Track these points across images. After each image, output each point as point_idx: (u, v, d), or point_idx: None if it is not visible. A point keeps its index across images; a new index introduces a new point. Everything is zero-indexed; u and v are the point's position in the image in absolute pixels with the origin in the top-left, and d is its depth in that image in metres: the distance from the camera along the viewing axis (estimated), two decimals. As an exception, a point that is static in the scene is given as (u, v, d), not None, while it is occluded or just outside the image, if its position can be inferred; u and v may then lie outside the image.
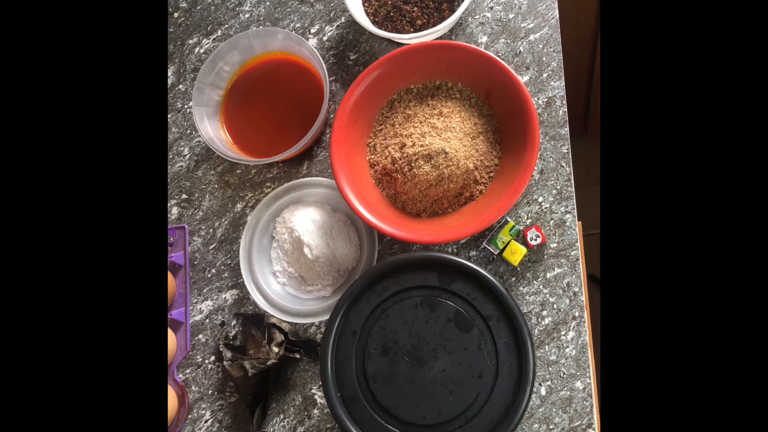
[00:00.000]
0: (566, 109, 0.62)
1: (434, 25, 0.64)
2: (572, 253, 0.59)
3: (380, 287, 0.53)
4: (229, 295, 0.65)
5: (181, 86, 0.73)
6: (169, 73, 0.73)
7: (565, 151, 0.61)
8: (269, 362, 0.59)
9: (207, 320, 0.65)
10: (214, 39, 0.74)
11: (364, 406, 0.51)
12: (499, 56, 0.64)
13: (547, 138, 0.62)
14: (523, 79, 0.63)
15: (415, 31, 0.64)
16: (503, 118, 0.60)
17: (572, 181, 0.61)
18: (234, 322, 0.64)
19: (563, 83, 0.63)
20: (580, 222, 0.63)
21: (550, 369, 0.57)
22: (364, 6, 0.67)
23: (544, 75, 0.64)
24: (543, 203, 0.61)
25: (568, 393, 0.56)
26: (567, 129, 0.62)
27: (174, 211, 0.69)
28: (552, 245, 0.60)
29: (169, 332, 0.63)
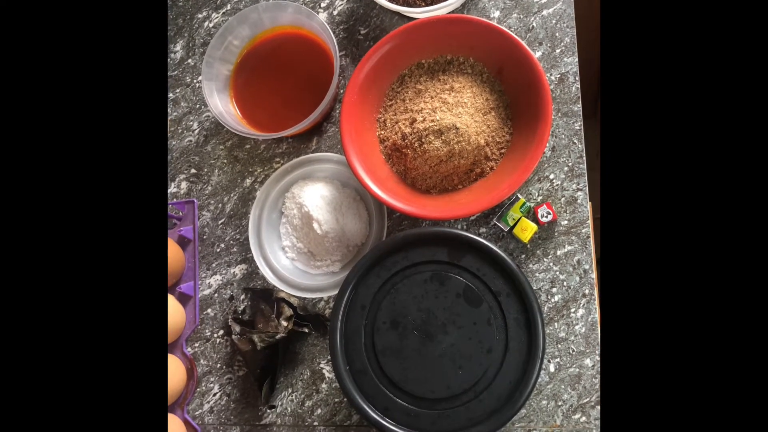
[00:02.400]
0: (579, 86, 0.61)
1: (446, -1, 0.63)
2: (583, 230, 0.59)
3: (390, 262, 0.53)
4: (238, 270, 0.65)
5: (190, 60, 0.72)
6: (178, 48, 0.73)
7: (578, 127, 0.61)
8: (278, 336, 0.59)
9: (216, 294, 0.65)
10: (223, 13, 0.73)
11: (372, 379, 0.51)
12: (511, 31, 0.63)
13: (560, 114, 0.61)
14: (535, 55, 0.62)
15: (427, 5, 0.63)
16: (515, 93, 0.59)
17: (584, 158, 0.60)
18: (243, 297, 0.64)
19: (576, 59, 0.62)
20: (591, 203, 0.62)
21: (560, 346, 0.57)
22: (375, -21, 0.66)
23: (557, 51, 0.63)
24: (554, 180, 0.60)
25: (577, 370, 0.56)
26: (580, 105, 0.61)
27: (183, 186, 0.69)
28: (563, 222, 0.59)
29: (178, 306, 0.63)
